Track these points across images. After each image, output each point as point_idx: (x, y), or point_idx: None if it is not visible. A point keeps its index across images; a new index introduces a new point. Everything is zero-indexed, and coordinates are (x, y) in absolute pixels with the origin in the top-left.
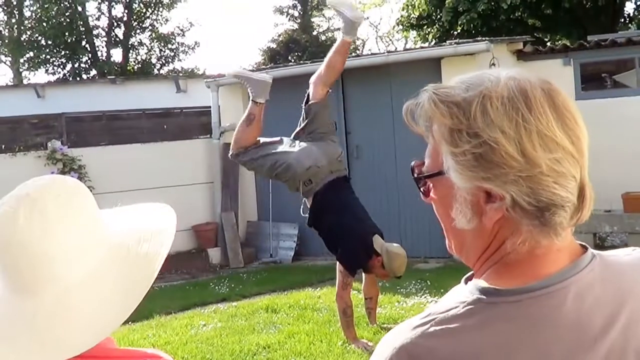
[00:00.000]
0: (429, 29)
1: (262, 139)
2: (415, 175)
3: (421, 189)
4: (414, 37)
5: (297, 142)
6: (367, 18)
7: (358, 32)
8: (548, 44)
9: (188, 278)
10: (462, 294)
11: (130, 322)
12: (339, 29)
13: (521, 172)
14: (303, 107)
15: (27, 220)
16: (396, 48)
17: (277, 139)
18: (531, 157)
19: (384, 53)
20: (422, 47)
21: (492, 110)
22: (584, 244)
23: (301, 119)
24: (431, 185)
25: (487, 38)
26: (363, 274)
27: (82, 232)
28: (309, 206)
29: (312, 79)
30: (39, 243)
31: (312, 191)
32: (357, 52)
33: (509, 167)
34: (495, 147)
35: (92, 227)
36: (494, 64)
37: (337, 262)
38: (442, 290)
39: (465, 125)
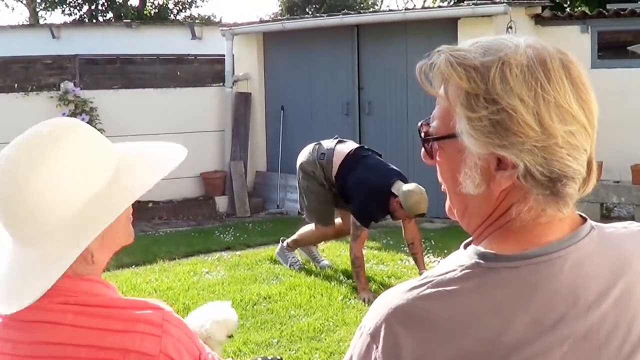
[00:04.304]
0: None
1: None
2: (423, 136)
3: (427, 151)
4: None
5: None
6: None
7: None
8: (567, 10)
9: (194, 225)
10: (460, 258)
11: (133, 266)
12: None
13: (537, 142)
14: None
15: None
16: (415, 5)
17: None
18: (548, 127)
19: (401, 10)
20: (440, 7)
21: (512, 77)
22: (583, 215)
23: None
24: (437, 147)
25: (505, 1)
26: (401, 223)
27: (81, 169)
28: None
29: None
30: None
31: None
32: (375, 7)
33: (526, 137)
34: (514, 115)
35: (91, 161)
36: (511, 27)
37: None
38: (445, 251)
39: (483, 91)
